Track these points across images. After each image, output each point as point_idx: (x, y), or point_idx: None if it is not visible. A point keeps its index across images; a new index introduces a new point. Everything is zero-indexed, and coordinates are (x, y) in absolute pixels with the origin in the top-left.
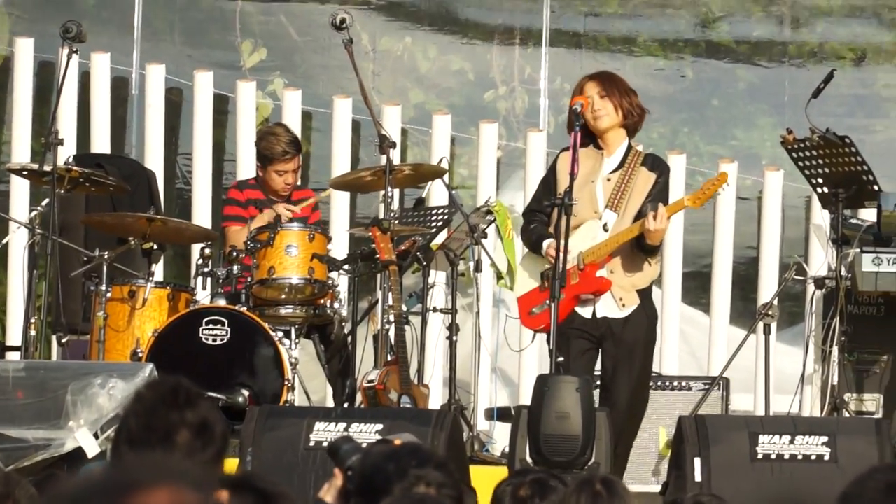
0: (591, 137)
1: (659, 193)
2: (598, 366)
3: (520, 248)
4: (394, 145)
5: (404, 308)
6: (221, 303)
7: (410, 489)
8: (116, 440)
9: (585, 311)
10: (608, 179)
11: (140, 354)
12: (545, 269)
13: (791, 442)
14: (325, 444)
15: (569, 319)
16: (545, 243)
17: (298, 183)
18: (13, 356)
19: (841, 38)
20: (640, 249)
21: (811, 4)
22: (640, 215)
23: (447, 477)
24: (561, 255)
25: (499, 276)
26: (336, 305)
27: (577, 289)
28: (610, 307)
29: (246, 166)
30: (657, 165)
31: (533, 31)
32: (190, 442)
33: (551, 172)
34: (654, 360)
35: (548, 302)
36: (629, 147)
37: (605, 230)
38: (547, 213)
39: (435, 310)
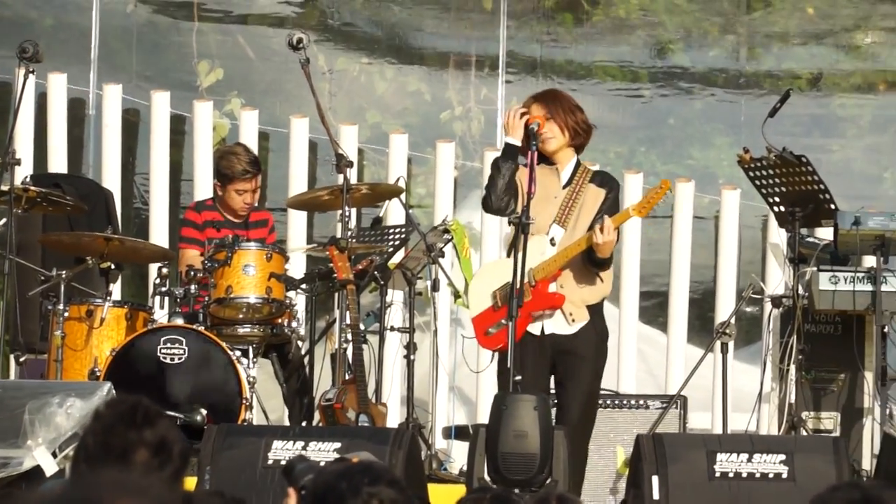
0: (540, 157)
1: (609, 209)
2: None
3: (476, 267)
4: (351, 164)
5: (362, 327)
6: (179, 322)
7: None
8: (75, 458)
9: (534, 328)
10: (556, 197)
11: (98, 373)
12: (497, 288)
13: (749, 460)
14: (283, 462)
15: (522, 337)
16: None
17: (256, 204)
18: None
19: (797, 59)
20: (591, 264)
21: (767, 30)
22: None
23: (400, 494)
24: (518, 273)
25: (456, 295)
26: (294, 324)
27: (531, 306)
28: (559, 324)
29: (203, 186)
30: (606, 181)
31: (489, 56)
32: (148, 461)
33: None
34: (606, 378)
35: (503, 321)
36: (577, 164)
37: (553, 244)
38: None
39: (392, 329)
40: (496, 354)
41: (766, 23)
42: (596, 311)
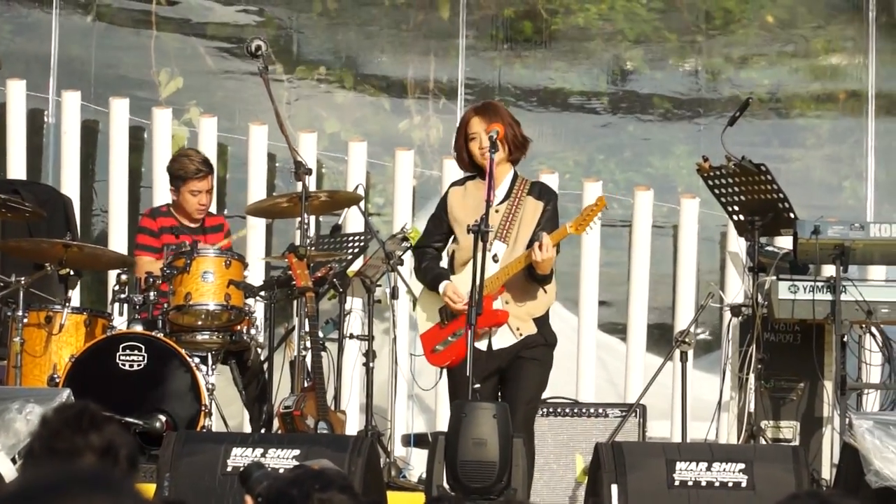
0: (477, 169)
1: (548, 221)
2: None
3: None
4: (309, 172)
5: (321, 334)
6: (138, 329)
7: None
8: (23, 463)
9: (481, 345)
10: (496, 211)
11: (57, 380)
12: (443, 305)
13: (708, 469)
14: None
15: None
16: (442, 286)
17: (212, 210)
18: None
19: (757, 68)
20: (532, 279)
21: (727, 40)
22: (532, 244)
23: (352, 499)
24: (478, 281)
25: (415, 303)
26: (253, 331)
27: (477, 323)
28: (506, 338)
29: (162, 193)
30: (544, 193)
31: (447, 81)
32: (94, 465)
33: (441, 208)
34: (565, 386)
35: (450, 338)
36: (515, 176)
37: (496, 261)
38: (436, 247)
39: (351, 336)
40: (444, 371)
41: (725, 32)
42: (542, 321)
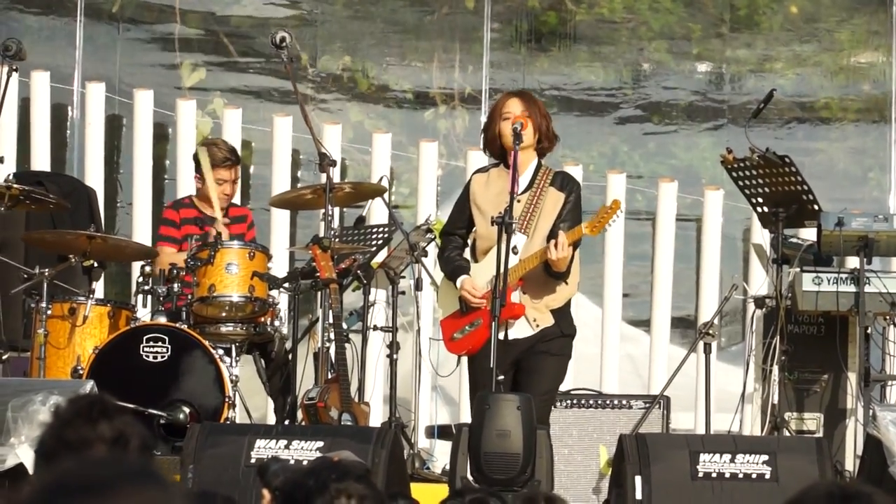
0: (501, 157)
1: (570, 213)
2: None
3: None
4: (334, 163)
5: (345, 326)
6: (162, 320)
7: (332, 502)
8: (36, 455)
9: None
10: (518, 201)
11: (81, 371)
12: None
13: (732, 461)
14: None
15: (485, 345)
16: (459, 280)
17: (236, 201)
18: None
19: (782, 59)
20: (549, 275)
21: (751, 31)
22: (553, 236)
23: (368, 489)
24: (501, 272)
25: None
26: (276, 323)
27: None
28: (523, 329)
29: (185, 185)
30: (566, 184)
31: (471, 73)
32: (138, 458)
33: (465, 195)
34: (589, 378)
35: (467, 327)
36: (538, 166)
37: (515, 253)
38: (461, 235)
39: (375, 328)
40: (463, 359)
41: (750, 24)
42: (562, 314)
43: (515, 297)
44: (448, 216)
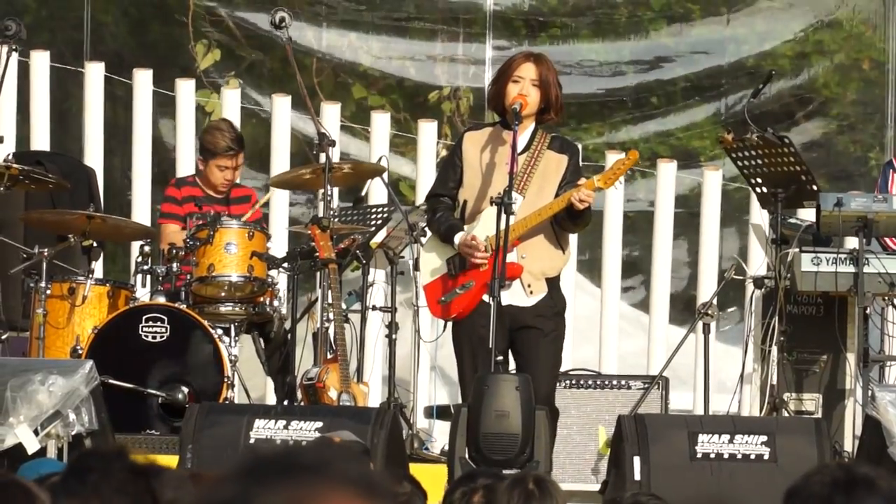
0: (503, 115)
1: (573, 174)
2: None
3: None
4: (333, 143)
5: (343, 306)
6: (161, 300)
7: None
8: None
9: (489, 297)
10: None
11: (80, 351)
12: (451, 255)
13: (730, 441)
14: (265, 441)
15: (475, 308)
16: (457, 237)
17: (238, 181)
18: None
19: (781, 37)
20: (569, 221)
21: (751, 9)
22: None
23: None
24: (499, 255)
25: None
26: (276, 303)
27: (487, 275)
28: (517, 295)
29: (186, 164)
30: (566, 147)
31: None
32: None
33: (456, 153)
34: (588, 358)
35: (458, 290)
36: (535, 129)
37: (511, 213)
38: (451, 196)
39: (374, 308)
40: (448, 324)
41: (749, 3)
42: (554, 284)
43: (513, 257)
44: (435, 177)
